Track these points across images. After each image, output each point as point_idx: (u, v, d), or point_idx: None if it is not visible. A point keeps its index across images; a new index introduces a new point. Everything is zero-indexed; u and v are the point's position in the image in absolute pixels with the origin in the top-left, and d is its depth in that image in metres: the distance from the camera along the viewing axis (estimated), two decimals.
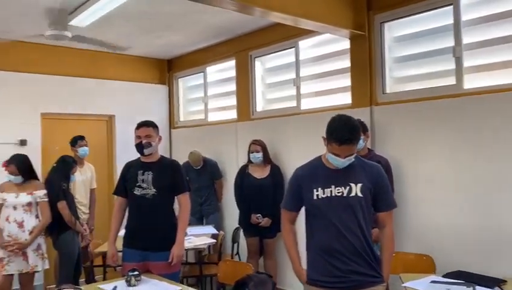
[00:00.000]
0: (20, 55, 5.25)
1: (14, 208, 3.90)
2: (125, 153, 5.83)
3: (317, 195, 2.30)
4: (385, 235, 2.40)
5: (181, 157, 5.29)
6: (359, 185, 2.29)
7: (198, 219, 5.36)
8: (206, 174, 5.42)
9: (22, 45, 5.24)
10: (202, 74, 6.20)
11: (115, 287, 2.61)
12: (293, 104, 4.90)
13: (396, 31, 4.07)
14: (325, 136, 2.28)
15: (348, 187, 2.28)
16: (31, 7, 4.03)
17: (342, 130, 2.21)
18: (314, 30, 4.24)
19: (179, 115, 6.68)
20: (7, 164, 3.96)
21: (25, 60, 5.29)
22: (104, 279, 4.14)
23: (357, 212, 2.27)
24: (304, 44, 4.80)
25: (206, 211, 5.41)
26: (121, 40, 5.43)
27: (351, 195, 2.27)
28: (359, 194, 2.28)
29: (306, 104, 4.78)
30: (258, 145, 4.67)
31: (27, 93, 5.29)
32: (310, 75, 4.75)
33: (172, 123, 6.69)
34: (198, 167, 5.41)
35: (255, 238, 4.64)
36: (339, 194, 2.28)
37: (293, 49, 4.88)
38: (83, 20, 4.14)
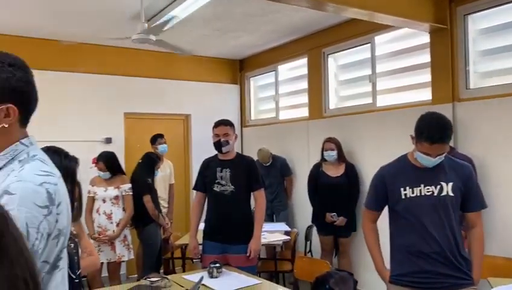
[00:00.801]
0: (106, 59, 5.64)
1: (103, 201, 4.21)
2: (201, 150, 6.09)
3: (406, 194, 2.25)
4: (475, 236, 2.30)
5: (252, 155, 5.38)
6: (450, 184, 2.21)
7: (268, 215, 5.43)
8: (275, 171, 5.48)
9: (108, 50, 5.61)
10: (273, 72, 6.27)
11: (202, 277, 2.72)
12: (368, 100, 4.80)
13: (480, 23, 3.87)
14: (413, 134, 2.23)
15: (438, 186, 2.22)
16: (117, 14, 4.34)
17: (434, 128, 2.14)
18: (392, 25, 4.14)
19: (250, 113, 6.81)
20: (96, 161, 4.28)
21: (111, 63, 5.67)
22: (184, 271, 4.33)
23: (448, 212, 2.19)
24: (380, 39, 4.69)
25: (276, 207, 5.47)
26: (197, 42, 5.63)
27: (442, 194, 2.21)
28: (450, 193, 2.20)
29: (382, 100, 4.67)
30: (332, 143, 4.64)
31: (112, 95, 5.66)
32: (387, 71, 4.64)
33: (243, 122, 6.83)
34: (267, 164, 5.48)
35: (329, 237, 4.62)
36: (429, 193, 2.22)
37: (369, 44, 4.78)
38: (163, 24, 4.37)
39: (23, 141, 1.32)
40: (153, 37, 3.58)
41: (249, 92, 6.82)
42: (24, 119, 1.33)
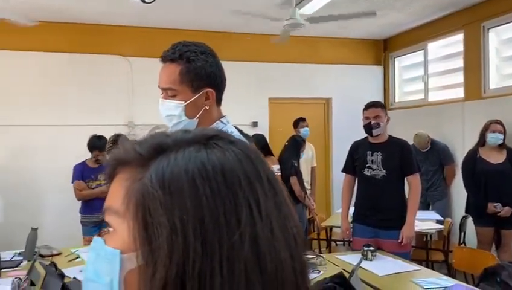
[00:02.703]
0: (252, 46, 5.90)
1: None
2: (341, 133, 6.08)
3: None
4: None
5: None
6: None
7: (423, 203, 5.15)
8: (433, 157, 5.15)
9: (255, 37, 5.87)
10: (422, 51, 5.88)
11: (361, 259, 2.72)
12: None
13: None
14: None
15: None
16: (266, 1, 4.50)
17: None
18: None
19: (395, 96, 6.51)
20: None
21: (256, 50, 5.92)
22: (330, 252, 4.38)
23: None
24: None
25: (432, 196, 5.16)
26: (341, 24, 5.55)
27: None
28: None
29: None
30: (499, 124, 4.17)
31: (258, 81, 5.92)
32: None
33: (387, 105, 6.56)
34: (425, 150, 5.17)
35: (489, 228, 4.21)
36: None
37: None
38: (310, 8, 4.39)
39: (221, 119, 1.46)
40: (304, 22, 3.63)
41: (393, 73, 6.52)
42: (219, 100, 1.47)
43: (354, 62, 6.43)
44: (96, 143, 4.29)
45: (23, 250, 3.21)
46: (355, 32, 6.07)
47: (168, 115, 1.41)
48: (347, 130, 5.61)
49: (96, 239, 0.52)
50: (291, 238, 0.50)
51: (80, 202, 4.40)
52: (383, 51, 6.58)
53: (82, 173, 4.34)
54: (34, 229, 3.17)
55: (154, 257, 0.45)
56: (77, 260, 3.19)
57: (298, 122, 5.43)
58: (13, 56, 5.09)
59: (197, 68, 1.38)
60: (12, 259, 3.15)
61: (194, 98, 1.39)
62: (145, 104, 5.53)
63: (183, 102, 1.39)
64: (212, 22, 5.37)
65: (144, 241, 0.46)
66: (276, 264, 0.47)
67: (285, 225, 0.50)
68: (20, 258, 3.16)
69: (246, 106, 5.84)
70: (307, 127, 5.42)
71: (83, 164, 4.41)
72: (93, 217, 4.31)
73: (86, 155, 4.50)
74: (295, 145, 4.64)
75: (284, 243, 0.49)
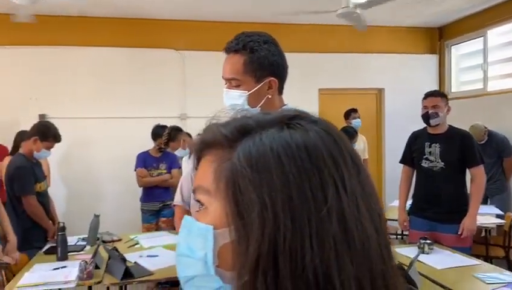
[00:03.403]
0: (302, 36, 5.86)
1: None
2: (394, 124, 5.94)
3: None
4: None
5: None
6: None
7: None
8: (491, 150, 4.91)
9: (303, 27, 5.82)
10: (481, 38, 5.61)
11: (419, 252, 2.66)
12: None
13: None
14: None
15: None
16: None
17: None
18: None
19: (451, 85, 6.26)
20: None
21: (306, 41, 5.87)
22: None
23: None
24: None
25: (490, 190, 4.93)
26: (393, 12, 5.40)
27: None
28: None
29: None
30: None
31: (308, 72, 5.87)
32: None
33: None
34: (482, 142, 4.95)
35: None
36: None
37: None
38: None
39: (283, 108, 1.48)
40: (358, 11, 3.56)
41: (449, 61, 6.27)
42: (281, 88, 1.48)
43: (407, 51, 6.24)
44: (159, 132, 4.43)
45: (86, 235, 3.40)
46: (408, 20, 5.88)
47: (232, 104, 1.44)
48: (400, 121, 5.48)
49: (187, 217, 0.55)
50: (375, 215, 0.51)
51: (141, 190, 4.58)
52: (438, 39, 6.33)
53: (145, 161, 4.51)
54: (97, 216, 3.34)
55: (246, 232, 0.47)
56: (136, 246, 3.33)
57: (350, 113, 5.35)
58: (72, 51, 5.35)
59: (260, 58, 1.40)
60: (77, 244, 3.34)
61: (257, 88, 1.42)
62: (198, 97, 5.67)
63: (246, 91, 1.42)
64: (263, 13, 5.38)
65: (236, 217, 0.48)
66: (363, 240, 0.48)
67: (369, 202, 0.51)
68: (84, 243, 3.35)
69: (295, 97, 5.69)
70: (359, 118, 5.33)
71: (146, 152, 4.57)
72: (152, 206, 4.47)
73: (141, 146, 4.68)
74: (347, 136, 4.57)
75: (370, 220, 0.50)
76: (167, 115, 5.41)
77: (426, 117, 3.22)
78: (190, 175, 2.76)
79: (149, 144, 4.64)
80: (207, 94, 5.78)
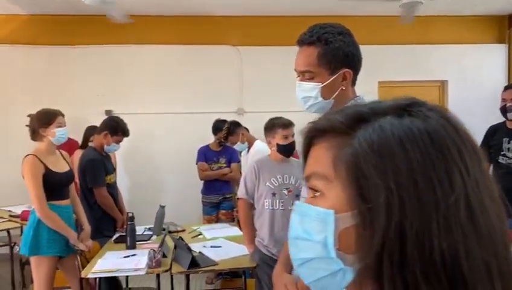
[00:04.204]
0: (362, 28, 5.71)
1: None
2: (459, 117, 5.67)
3: None
4: None
5: None
6: None
7: None
8: None
9: (362, 19, 5.69)
10: None
11: None
12: None
13: None
14: None
15: None
16: None
17: None
18: None
19: None
20: None
21: (365, 33, 5.72)
22: None
23: None
24: None
25: None
26: (459, 1, 5.15)
27: None
28: None
29: None
30: None
31: (367, 64, 5.68)
32: None
33: None
34: None
35: None
36: None
37: None
38: None
39: (356, 99, 1.46)
40: (421, 0, 3.43)
41: None
42: (354, 80, 1.46)
43: (472, 41, 5.93)
44: (220, 126, 4.53)
45: (151, 225, 3.54)
46: (473, 8, 5.59)
47: (304, 96, 1.44)
48: (465, 114, 5.09)
49: (299, 203, 0.56)
50: (497, 203, 0.52)
51: (202, 183, 4.70)
52: (507, 27, 5.96)
53: (205, 155, 4.63)
54: (162, 207, 3.47)
55: (371, 216, 0.48)
56: (199, 236, 3.43)
57: None
58: (135, 50, 5.57)
59: (335, 49, 1.39)
60: (144, 233, 3.49)
61: (331, 79, 1.40)
62: (254, 92, 5.72)
63: (320, 83, 1.41)
64: (320, 6, 5.32)
65: (360, 202, 0.49)
66: (488, 226, 0.48)
67: (490, 191, 0.51)
68: (150, 233, 3.49)
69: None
70: None
71: (207, 146, 4.70)
72: (213, 198, 4.59)
73: (200, 140, 4.80)
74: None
75: (492, 207, 0.50)
76: (225, 110, 5.50)
77: (503, 110, 3.07)
78: (253, 168, 2.80)
79: (208, 139, 4.75)
80: (263, 89, 5.86)
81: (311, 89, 1.42)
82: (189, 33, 5.64)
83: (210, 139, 4.75)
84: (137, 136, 5.49)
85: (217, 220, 4.57)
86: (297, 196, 2.74)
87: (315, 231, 0.52)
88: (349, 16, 5.65)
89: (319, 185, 0.54)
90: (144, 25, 5.54)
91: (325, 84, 1.41)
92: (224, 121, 4.57)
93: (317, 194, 0.54)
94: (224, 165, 4.61)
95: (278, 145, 2.72)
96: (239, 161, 4.68)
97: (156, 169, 5.64)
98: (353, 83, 1.47)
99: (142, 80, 5.61)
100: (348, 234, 0.50)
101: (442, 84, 6.00)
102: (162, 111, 5.59)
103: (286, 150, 2.74)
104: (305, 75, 1.43)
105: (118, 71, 5.58)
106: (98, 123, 4.72)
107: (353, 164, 0.50)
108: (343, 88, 1.43)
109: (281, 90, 5.71)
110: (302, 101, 1.46)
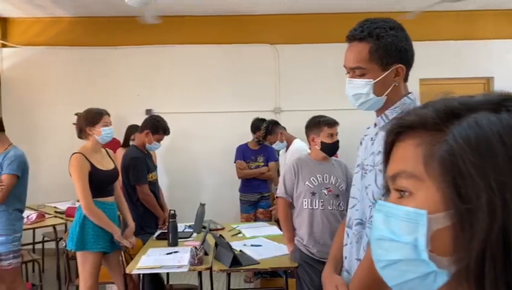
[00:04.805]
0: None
1: None
2: None
3: None
4: None
5: None
6: None
7: None
8: None
9: (401, 16, 5.55)
10: None
11: None
12: None
13: None
14: None
15: None
16: None
17: None
18: None
19: None
20: None
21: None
22: None
23: None
24: None
25: None
26: None
27: None
28: None
29: None
30: None
31: None
32: None
33: None
34: None
35: None
36: None
37: None
38: None
39: (409, 95, 1.41)
40: None
41: None
42: (407, 75, 1.42)
43: None
44: (259, 125, 4.54)
45: (191, 223, 3.58)
46: None
47: (355, 93, 1.40)
48: None
49: (382, 203, 0.54)
50: None
51: (240, 181, 4.72)
52: None
53: (243, 153, 4.66)
54: (203, 205, 3.50)
55: (470, 218, 0.45)
56: (239, 235, 3.43)
57: None
58: (173, 50, 5.65)
59: (387, 44, 1.35)
60: (184, 231, 3.53)
61: (383, 76, 1.37)
62: (291, 90, 5.69)
63: (372, 80, 1.37)
64: (357, 3, 5.23)
65: (458, 202, 0.47)
66: None
67: None
68: (190, 230, 3.52)
69: None
70: None
71: (245, 145, 4.72)
72: (251, 196, 4.60)
73: (238, 138, 4.82)
74: None
75: None
76: (262, 109, 5.51)
77: None
78: (293, 167, 2.78)
79: (245, 137, 4.76)
80: (301, 88, 5.82)
81: (363, 86, 1.38)
82: (227, 32, 5.68)
83: (247, 137, 4.76)
84: (176, 135, 5.57)
85: (255, 219, 4.58)
86: (338, 196, 2.71)
87: (404, 231, 0.50)
88: (386, 13, 5.52)
89: (407, 185, 0.52)
90: (183, 26, 5.62)
91: (377, 80, 1.37)
92: (263, 120, 4.57)
93: (405, 194, 0.52)
94: (262, 164, 4.61)
95: (322, 143, 2.69)
96: (277, 160, 4.67)
97: (194, 167, 5.71)
98: (405, 78, 1.43)
99: (181, 80, 5.69)
100: (441, 235, 0.48)
101: (488, 81, 5.78)
102: (200, 110, 5.65)
103: (330, 149, 2.71)
104: (356, 71, 1.40)
105: (158, 71, 5.68)
106: (138, 122, 4.84)
107: (449, 162, 0.48)
108: (396, 84, 1.39)
109: (318, 88, 5.67)
110: (353, 98, 1.42)
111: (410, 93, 1.44)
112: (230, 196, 4.99)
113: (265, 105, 5.67)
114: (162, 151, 5.27)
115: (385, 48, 1.35)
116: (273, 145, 4.31)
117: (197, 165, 5.70)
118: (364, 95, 1.39)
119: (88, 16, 5.61)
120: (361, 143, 1.55)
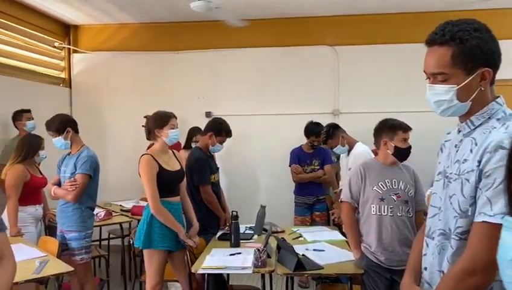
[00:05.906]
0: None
1: None
2: None
3: None
4: None
5: None
6: None
7: None
8: None
9: (459, 14, 5.28)
10: None
11: None
12: None
13: None
14: None
15: None
16: None
17: None
18: None
19: None
20: None
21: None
22: None
23: None
24: None
25: None
26: None
27: None
28: None
29: None
30: None
31: None
32: None
33: None
34: None
35: None
36: None
37: None
38: None
39: (497, 100, 1.33)
40: None
41: None
42: (493, 78, 1.34)
43: None
44: (313, 129, 4.51)
45: (252, 225, 3.60)
46: None
47: (437, 100, 1.34)
48: None
49: (509, 219, 0.51)
50: None
51: (294, 184, 4.71)
52: None
53: (298, 157, 4.64)
54: (263, 207, 3.51)
55: None
56: (300, 238, 3.41)
57: None
58: (232, 53, 5.73)
59: (472, 48, 1.28)
60: (245, 232, 3.55)
61: (468, 80, 1.29)
62: (350, 92, 5.60)
63: (455, 85, 1.30)
64: (414, 2, 5.07)
65: None
66: None
67: None
68: (251, 232, 3.54)
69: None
70: None
71: (300, 148, 4.71)
72: (306, 199, 4.58)
73: (295, 141, 4.80)
74: None
75: None
76: (320, 111, 5.46)
77: None
78: (359, 171, 2.72)
79: (304, 140, 4.72)
80: (360, 89, 5.69)
81: (446, 92, 1.32)
82: (285, 35, 5.68)
83: (304, 140, 4.72)
84: (235, 137, 5.65)
85: (312, 221, 4.54)
86: (407, 202, 2.62)
87: None
88: (439, 12, 5.27)
89: None
90: (242, 29, 5.66)
91: (461, 85, 1.30)
92: (317, 124, 4.53)
93: None
94: (318, 167, 4.57)
95: (396, 147, 2.62)
96: (333, 163, 4.60)
97: (251, 169, 5.75)
98: (492, 82, 1.35)
99: (240, 82, 5.76)
100: None
101: None
102: (258, 112, 5.69)
103: (403, 154, 2.64)
104: (438, 77, 1.33)
105: (217, 74, 5.79)
106: (198, 124, 4.95)
107: None
108: (482, 89, 1.31)
109: (377, 90, 5.52)
110: (435, 105, 1.36)
111: (498, 97, 1.36)
112: (285, 198, 4.99)
113: (324, 107, 5.61)
114: (220, 153, 5.36)
115: (470, 51, 1.28)
116: (334, 149, 4.24)
117: (254, 167, 5.74)
118: (447, 101, 1.32)
119: (153, 22, 5.82)
120: (441, 150, 1.49)
